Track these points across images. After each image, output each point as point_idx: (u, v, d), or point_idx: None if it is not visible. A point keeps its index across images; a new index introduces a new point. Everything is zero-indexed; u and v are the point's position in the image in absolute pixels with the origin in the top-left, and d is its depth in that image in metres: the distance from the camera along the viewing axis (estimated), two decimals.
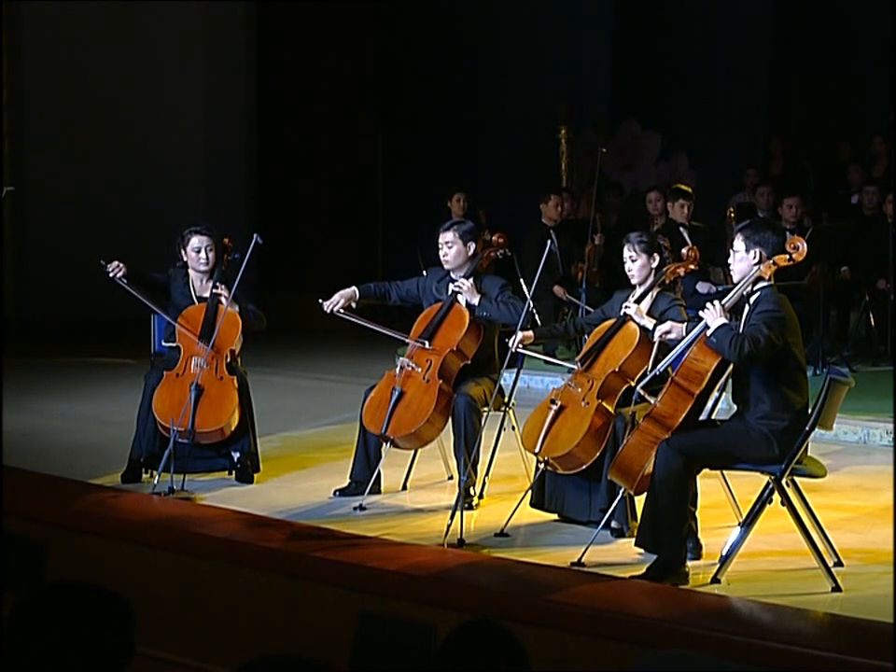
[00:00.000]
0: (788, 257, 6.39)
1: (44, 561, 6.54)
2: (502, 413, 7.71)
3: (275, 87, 15.17)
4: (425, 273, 8.49)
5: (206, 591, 6.32)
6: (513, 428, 7.72)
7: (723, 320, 6.23)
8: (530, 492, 7.18)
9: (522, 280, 11.34)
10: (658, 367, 6.60)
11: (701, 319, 6.38)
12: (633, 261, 7.24)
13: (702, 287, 11.23)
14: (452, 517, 6.67)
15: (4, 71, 14.03)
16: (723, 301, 6.36)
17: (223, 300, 8.03)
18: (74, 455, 8.53)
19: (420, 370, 7.58)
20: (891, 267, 11.50)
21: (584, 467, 6.91)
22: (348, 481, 7.68)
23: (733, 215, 12.44)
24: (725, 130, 14.87)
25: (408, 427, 7.47)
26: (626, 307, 7.16)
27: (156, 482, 7.61)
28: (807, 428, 6.21)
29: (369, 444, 7.65)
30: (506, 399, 7.77)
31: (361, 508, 7.40)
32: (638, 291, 7.25)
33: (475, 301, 7.65)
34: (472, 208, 12.99)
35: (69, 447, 8.80)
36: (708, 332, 6.26)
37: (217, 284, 8.12)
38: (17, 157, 14.18)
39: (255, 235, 7.79)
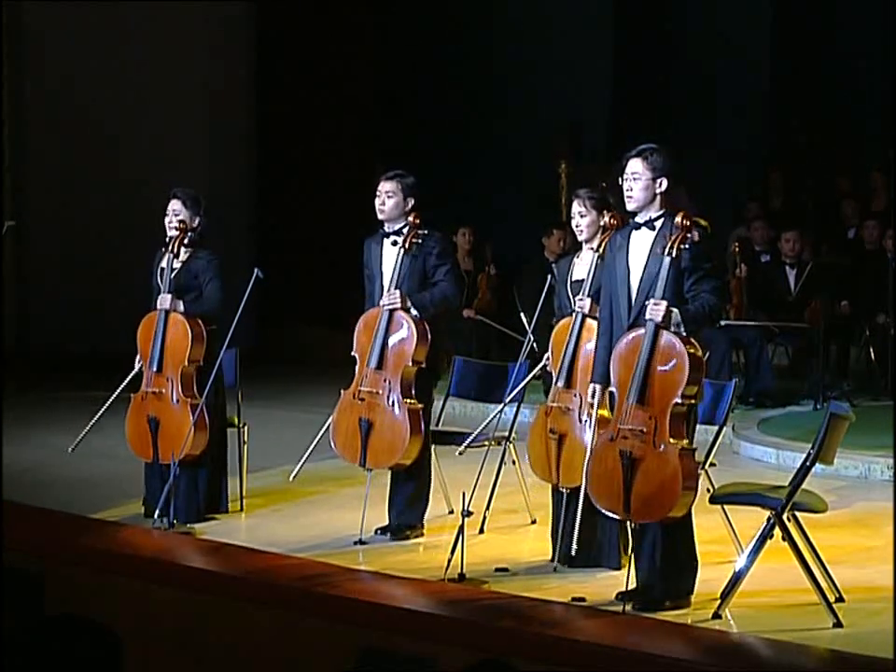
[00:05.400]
0: None
1: (43, 595, 6.52)
2: (503, 448, 7.68)
3: (276, 122, 15.21)
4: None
5: (205, 625, 6.30)
6: (513, 463, 7.71)
7: (662, 309, 6.10)
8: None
9: (522, 314, 11.35)
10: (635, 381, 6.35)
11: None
12: (581, 217, 7.13)
13: None
14: (452, 551, 6.64)
15: (4, 106, 14.06)
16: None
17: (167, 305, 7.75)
18: (74, 490, 8.52)
19: (381, 392, 7.42)
20: (891, 301, 11.51)
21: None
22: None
23: (738, 249, 12.41)
24: (725, 163, 14.89)
25: (388, 459, 7.42)
26: (580, 303, 6.99)
27: (155, 516, 7.56)
28: (808, 463, 6.20)
29: None
30: (507, 434, 7.73)
31: (361, 542, 7.38)
32: (584, 258, 7.16)
33: (413, 311, 7.42)
34: (479, 242, 13.06)
35: (70, 481, 8.78)
36: (675, 327, 6.12)
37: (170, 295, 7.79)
38: (18, 190, 14.20)
39: (255, 270, 7.78)
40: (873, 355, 11.84)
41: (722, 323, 11.09)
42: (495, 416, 7.57)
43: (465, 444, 7.37)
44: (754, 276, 12.07)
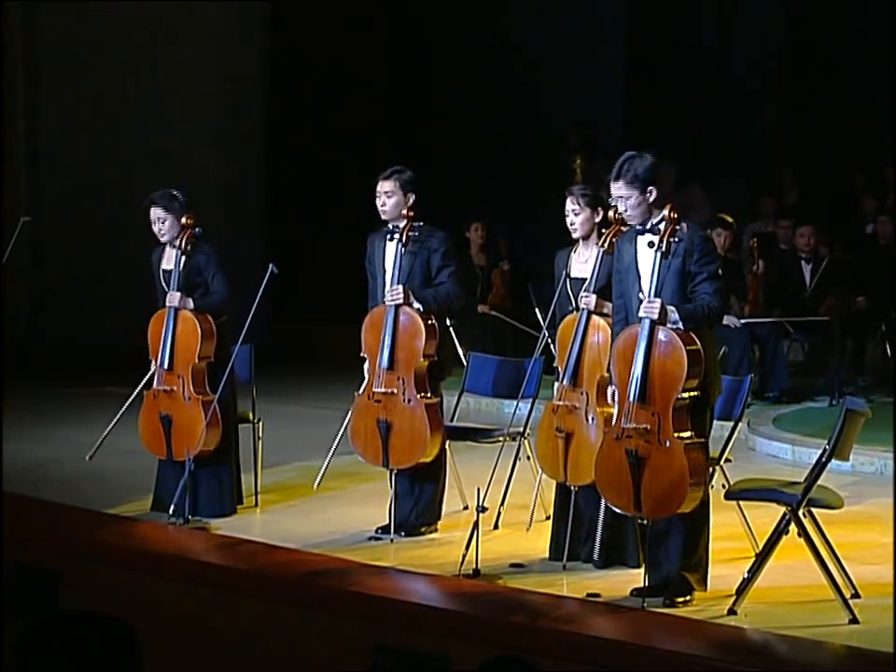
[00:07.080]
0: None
1: (59, 591, 6.54)
2: (517, 444, 7.67)
3: (289, 120, 15.21)
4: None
5: (220, 621, 6.30)
6: (528, 458, 7.70)
7: (657, 307, 6.06)
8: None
9: (536, 310, 11.34)
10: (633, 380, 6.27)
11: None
12: (576, 215, 7.05)
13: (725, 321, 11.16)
14: (467, 547, 6.64)
15: (19, 104, 14.08)
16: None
17: (177, 302, 7.72)
18: (89, 485, 8.53)
19: (396, 391, 7.38)
20: None
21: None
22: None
23: (756, 245, 12.36)
24: (739, 160, 14.87)
25: (411, 458, 7.36)
26: (585, 300, 6.92)
27: (170, 512, 7.57)
28: (824, 460, 6.19)
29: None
30: (522, 430, 7.71)
31: (376, 538, 7.38)
32: (582, 254, 7.12)
33: (416, 304, 7.36)
34: (491, 237, 13.04)
35: (85, 477, 8.79)
36: (672, 324, 6.08)
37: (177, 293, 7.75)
38: (33, 187, 14.23)
39: (270, 266, 7.77)
40: (889, 350, 11.81)
41: (743, 321, 11.09)
42: None
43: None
44: (774, 272, 12.04)
